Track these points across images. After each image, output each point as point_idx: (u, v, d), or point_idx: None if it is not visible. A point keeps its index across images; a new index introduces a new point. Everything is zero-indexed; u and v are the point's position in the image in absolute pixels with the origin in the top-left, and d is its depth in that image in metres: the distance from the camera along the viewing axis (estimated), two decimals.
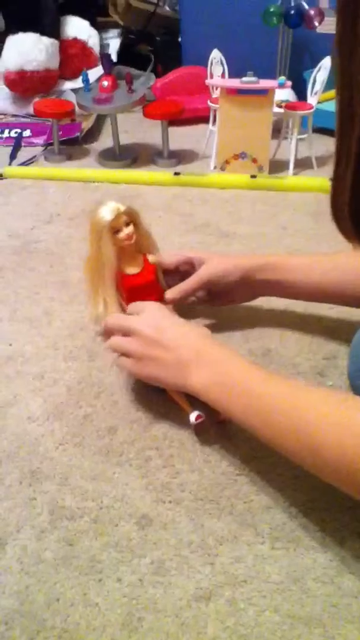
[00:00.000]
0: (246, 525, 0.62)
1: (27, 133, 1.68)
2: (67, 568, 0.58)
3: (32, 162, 1.54)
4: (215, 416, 0.73)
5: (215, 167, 1.44)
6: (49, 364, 0.85)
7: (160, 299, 0.86)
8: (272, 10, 1.56)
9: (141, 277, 0.83)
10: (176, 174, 1.38)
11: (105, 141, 1.63)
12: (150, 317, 0.71)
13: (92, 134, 1.68)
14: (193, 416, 0.71)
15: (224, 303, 0.90)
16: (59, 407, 0.78)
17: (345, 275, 0.78)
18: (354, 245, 0.45)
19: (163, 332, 0.67)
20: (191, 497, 0.65)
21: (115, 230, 0.80)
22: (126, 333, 0.71)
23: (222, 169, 1.42)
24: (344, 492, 0.54)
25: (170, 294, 0.85)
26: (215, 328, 0.90)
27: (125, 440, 0.72)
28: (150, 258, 0.85)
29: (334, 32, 0.38)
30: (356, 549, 0.59)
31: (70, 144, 1.60)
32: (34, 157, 1.57)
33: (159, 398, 0.78)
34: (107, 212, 0.79)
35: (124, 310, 0.84)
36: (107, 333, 0.78)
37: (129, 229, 0.81)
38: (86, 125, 1.67)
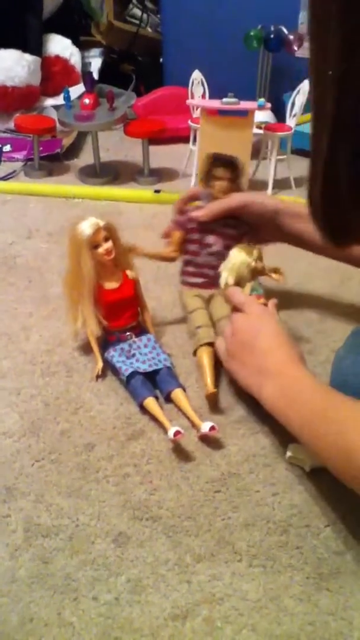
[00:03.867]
0: (224, 542, 0.61)
1: (7, 148, 1.68)
2: (42, 587, 0.57)
3: (12, 177, 1.54)
4: (196, 431, 0.73)
5: (195, 186, 1.46)
6: (27, 379, 0.84)
7: (138, 313, 0.86)
8: (252, 34, 1.60)
9: (120, 292, 0.83)
10: (156, 191, 1.39)
11: (86, 158, 1.64)
12: (254, 319, 0.73)
13: (73, 150, 1.68)
14: (172, 432, 0.70)
15: (259, 240, 0.91)
16: (36, 423, 0.77)
17: None
18: (330, 243, 0.47)
19: (258, 337, 0.70)
20: (169, 515, 0.65)
21: (94, 246, 0.80)
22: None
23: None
24: None
25: (201, 211, 0.88)
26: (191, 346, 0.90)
27: (102, 457, 0.72)
28: (130, 273, 0.85)
29: None
30: (333, 566, 0.59)
31: (51, 159, 1.61)
32: (14, 172, 1.57)
33: (137, 414, 0.77)
34: (86, 227, 0.79)
35: (102, 325, 0.84)
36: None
37: (108, 245, 0.81)
38: (67, 141, 1.67)
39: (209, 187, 0.87)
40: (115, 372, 0.83)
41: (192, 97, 1.46)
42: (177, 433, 0.70)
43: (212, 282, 0.88)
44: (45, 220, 1.31)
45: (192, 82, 1.46)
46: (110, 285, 0.83)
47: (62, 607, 0.55)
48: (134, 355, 0.81)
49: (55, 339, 0.92)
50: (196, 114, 1.44)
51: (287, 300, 1.00)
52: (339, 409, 0.59)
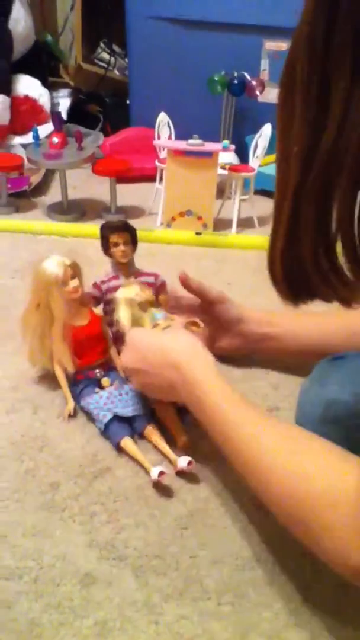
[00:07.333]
0: (192, 581, 0.61)
1: None
2: (4, 632, 0.55)
3: None
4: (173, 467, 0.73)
5: (161, 224, 1.48)
6: None
7: (106, 349, 0.86)
8: (216, 79, 1.65)
9: (89, 329, 0.84)
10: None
11: (54, 195, 1.65)
12: (131, 348, 0.75)
13: (41, 187, 1.70)
14: (156, 472, 0.70)
15: (216, 349, 0.90)
16: (0, 461, 0.75)
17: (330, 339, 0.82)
18: (288, 305, 0.49)
19: (145, 359, 0.72)
20: (136, 554, 0.64)
21: (61, 284, 0.80)
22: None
23: (168, 225, 1.46)
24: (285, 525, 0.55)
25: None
26: None
27: (68, 496, 0.71)
28: (96, 310, 0.86)
29: (273, 102, 0.42)
30: (302, 602, 0.59)
31: (19, 196, 1.61)
32: None
33: (104, 451, 0.77)
34: (54, 266, 0.80)
35: (75, 364, 0.82)
36: None
37: (75, 282, 0.81)
38: (35, 179, 1.68)
39: (109, 254, 0.87)
40: (91, 418, 0.81)
41: (159, 138, 1.50)
42: (161, 473, 0.69)
43: None
44: (11, 257, 1.30)
45: (159, 124, 1.50)
46: (79, 322, 0.83)
47: None
48: (112, 402, 0.79)
49: (20, 376, 0.91)
50: (163, 154, 1.48)
51: None
52: (256, 427, 0.60)
